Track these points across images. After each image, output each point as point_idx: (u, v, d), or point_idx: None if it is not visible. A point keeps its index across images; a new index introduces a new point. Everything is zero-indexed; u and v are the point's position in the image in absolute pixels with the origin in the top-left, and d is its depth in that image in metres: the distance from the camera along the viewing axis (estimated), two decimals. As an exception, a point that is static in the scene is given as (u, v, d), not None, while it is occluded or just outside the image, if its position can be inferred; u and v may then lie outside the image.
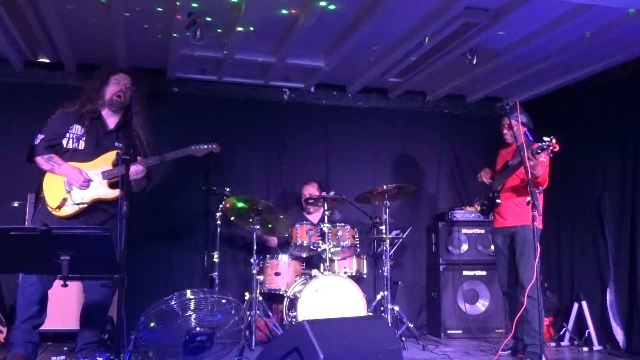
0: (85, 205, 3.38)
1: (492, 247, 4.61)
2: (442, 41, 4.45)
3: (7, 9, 3.99)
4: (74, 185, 3.37)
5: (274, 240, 5.18)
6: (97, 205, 3.43)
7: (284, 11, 4.00)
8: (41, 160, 3.41)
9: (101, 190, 3.41)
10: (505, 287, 4.37)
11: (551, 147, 3.74)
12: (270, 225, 4.75)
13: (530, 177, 3.71)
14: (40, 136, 3.45)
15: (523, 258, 4.09)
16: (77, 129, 3.49)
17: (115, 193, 3.36)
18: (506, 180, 4.23)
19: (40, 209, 3.45)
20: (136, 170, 3.41)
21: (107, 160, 3.46)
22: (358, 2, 3.89)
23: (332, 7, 3.88)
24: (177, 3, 3.78)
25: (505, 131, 4.26)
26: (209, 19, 4.14)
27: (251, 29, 4.25)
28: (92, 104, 3.54)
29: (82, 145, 3.47)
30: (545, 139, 3.76)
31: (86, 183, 3.38)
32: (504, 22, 4.03)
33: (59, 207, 3.34)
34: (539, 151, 3.78)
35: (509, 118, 4.06)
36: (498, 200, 4.25)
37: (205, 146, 3.67)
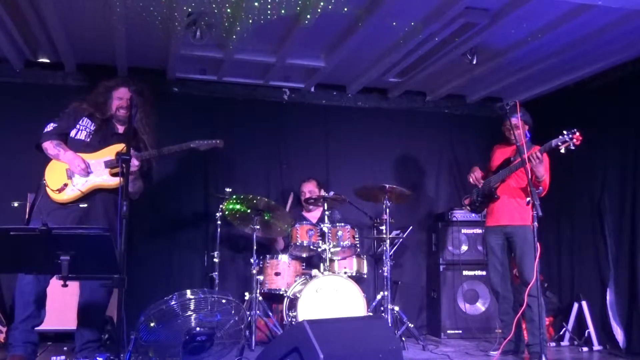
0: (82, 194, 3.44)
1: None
2: (442, 41, 4.44)
3: (7, 9, 3.99)
4: (75, 172, 3.42)
5: (282, 243, 5.18)
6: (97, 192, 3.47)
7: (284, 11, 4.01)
8: (49, 145, 3.47)
9: (102, 177, 3.47)
10: (497, 287, 4.32)
11: (574, 140, 3.66)
12: (270, 221, 4.74)
13: (531, 177, 3.68)
14: (52, 124, 3.54)
15: (525, 258, 4.08)
16: (87, 122, 3.58)
17: (115, 180, 3.41)
18: (506, 178, 4.20)
19: (40, 200, 3.46)
20: (132, 163, 3.37)
21: (111, 151, 3.52)
22: (358, 2, 3.89)
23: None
24: (176, 3, 3.79)
25: (513, 131, 4.09)
26: (209, 18, 4.14)
27: (251, 29, 4.25)
28: (100, 114, 3.60)
29: (89, 138, 3.55)
30: (565, 132, 3.68)
31: (85, 171, 3.43)
32: (504, 22, 4.03)
33: (60, 190, 3.38)
34: (559, 144, 3.70)
35: (510, 118, 3.98)
36: (497, 195, 4.22)
37: (208, 142, 3.70)
